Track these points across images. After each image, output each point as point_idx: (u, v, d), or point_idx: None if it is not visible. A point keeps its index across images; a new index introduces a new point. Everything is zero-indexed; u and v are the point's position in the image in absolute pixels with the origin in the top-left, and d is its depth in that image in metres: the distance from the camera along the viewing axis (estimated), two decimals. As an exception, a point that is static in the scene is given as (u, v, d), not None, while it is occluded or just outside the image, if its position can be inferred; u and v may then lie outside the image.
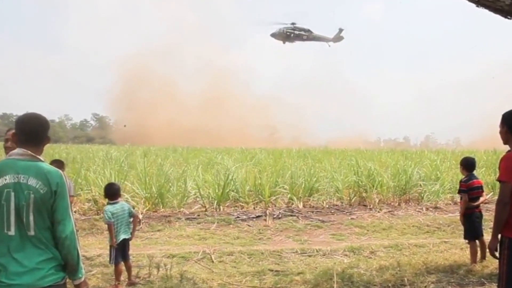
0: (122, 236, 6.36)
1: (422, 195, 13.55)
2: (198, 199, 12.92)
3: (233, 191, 13.06)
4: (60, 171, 3.25)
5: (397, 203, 13.15)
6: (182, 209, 12.16)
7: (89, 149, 35.70)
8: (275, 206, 12.62)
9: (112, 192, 6.51)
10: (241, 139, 62.51)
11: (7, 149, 4.90)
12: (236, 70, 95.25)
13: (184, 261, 7.86)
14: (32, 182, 3.10)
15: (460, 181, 7.70)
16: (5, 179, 3.06)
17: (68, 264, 3.21)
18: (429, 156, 23.70)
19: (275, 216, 11.54)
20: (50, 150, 32.11)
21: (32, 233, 3.09)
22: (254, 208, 12.43)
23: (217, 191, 12.69)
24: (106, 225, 6.48)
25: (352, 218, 11.57)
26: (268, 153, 30.00)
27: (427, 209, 12.65)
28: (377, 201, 12.95)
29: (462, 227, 9.98)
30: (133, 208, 7.69)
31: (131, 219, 6.58)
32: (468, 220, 7.52)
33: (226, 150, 34.06)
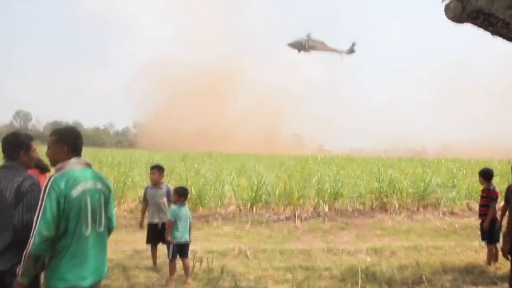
0: (186, 237, 6.60)
1: (439, 201, 13.57)
2: (233, 201, 13.22)
3: (265, 194, 13.33)
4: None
5: (415, 208, 13.22)
6: (218, 210, 12.49)
7: (131, 154, 36.54)
8: (303, 209, 12.84)
9: (183, 194, 6.77)
10: (269, 146, 62.76)
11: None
12: (267, 82, 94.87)
13: (222, 257, 8.15)
14: (99, 186, 3.42)
15: (489, 190, 7.79)
16: (84, 186, 3.28)
17: None
18: (446, 165, 23.58)
19: (303, 218, 11.78)
20: (98, 154, 32.97)
21: (102, 229, 3.41)
22: (284, 210, 12.68)
23: (250, 194, 12.98)
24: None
25: (374, 221, 11.72)
26: (295, 160, 30.21)
27: (444, 214, 12.69)
28: (397, 206, 13.05)
29: (477, 232, 10.09)
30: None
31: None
32: (491, 225, 7.60)
33: (256, 156, 34.38)
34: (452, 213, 12.85)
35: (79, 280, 3.20)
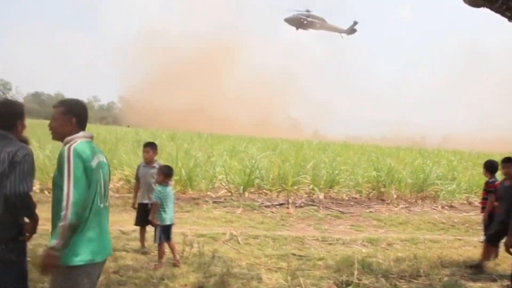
0: (170, 218, 6.63)
1: (439, 193, 13.71)
2: (224, 184, 13.26)
3: (257, 178, 13.38)
4: None
5: (414, 200, 13.36)
6: (209, 192, 12.54)
7: (117, 131, 36.36)
8: (297, 195, 12.92)
9: (169, 174, 6.77)
10: (262, 129, 62.61)
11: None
12: (264, 61, 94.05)
13: (213, 241, 8.20)
14: (104, 160, 3.49)
15: (487, 182, 7.90)
16: (98, 158, 3.37)
17: None
18: (446, 156, 23.75)
19: (297, 204, 11.86)
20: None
21: (107, 203, 3.49)
22: (277, 196, 12.76)
23: (243, 177, 13.03)
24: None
25: (370, 211, 11.84)
26: (289, 144, 30.22)
27: (442, 207, 12.85)
28: (394, 196, 13.17)
29: (476, 227, 10.23)
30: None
31: None
32: (490, 220, 7.63)
33: (249, 139, 34.34)
34: (451, 206, 13.00)
35: (95, 255, 3.26)
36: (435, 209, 12.57)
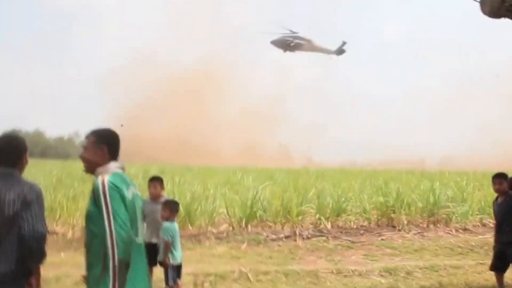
0: (180, 257, 6.50)
1: (451, 216, 13.64)
2: (225, 218, 13.11)
3: (260, 210, 13.24)
4: None
5: (425, 225, 13.28)
6: (209, 228, 12.37)
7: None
8: (302, 226, 12.79)
9: (176, 209, 6.68)
10: (252, 158, 62.51)
11: None
12: (252, 87, 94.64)
13: (222, 280, 8.06)
14: (138, 192, 3.42)
15: None
16: (132, 190, 3.32)
17: None
18: (451, 177, 23.81)
19: (304, 236, 11.72)
20: (65, 166, 32.49)
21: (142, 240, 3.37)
22: (282, 228, 12.62)
23: (244, 210, 12.89)
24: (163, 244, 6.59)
25: (382, 239, 11.73)
26: (284, 173, 30.17)
27: (456, 230, 12.76)
28: (405, 222, 13.08)
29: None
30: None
31: None
32: None
33: (240, 169, 34.24)
34: (465, 229, 12.92)
35: None
36: (449, 233, 12.49)
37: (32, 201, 3.38)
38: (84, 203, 13.04)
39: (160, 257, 6.47)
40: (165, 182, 18.74)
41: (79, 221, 12.08)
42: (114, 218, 3.05)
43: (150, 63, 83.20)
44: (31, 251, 3.31)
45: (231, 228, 12.42)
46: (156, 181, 7.40)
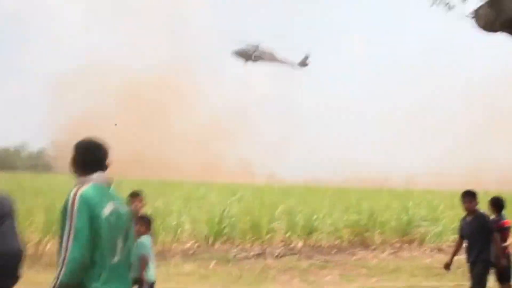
0: (154, 274, 6.35)
1: (424, 236, 13.85)
2: (190, 234, 12.94)
3: (227, 227, 13.15)
4: None
5: (399, 244, 13.43)
6: (174, 245, 12.19)
7: (50, 180, 35.23)
8: (272, 244, 12.75)
9: (149, 222, 6.52)
10: (212, 173, 62.22)
11: None
12: (211, 99, 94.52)
13: (192, 300, 7.91)
14: (122, 207, 3.24)
15: (492, 221, 7.98)
16: (112, 206, 3.12)
17: None
18: (421, 196, 24.22)
19: (275, 254, 11.70)
20: (12, 179, 31.56)
21: (126, 260, 3.24)
22: (251, 246, 12.54)
23: (211, 227, 12.78)
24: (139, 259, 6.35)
25: (356, 259, 11.81)
26: (248, 189, 30.13)
27: (431, 250, 12.97)
28: (379, 241, 13.21)
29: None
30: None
31: None
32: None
33: (200, 184, 34.03)
34: (439, 249, 13.14)
35: None
36: (424, 253, 12.69)
37: (4, 214, 3.21)
38: (39, 218, 12.70)
39: (134, 273, 6.27)
40: (123, 197, 18.54)
41: (32, 237, 11.76)
42: (74, 237, 2.90)
43: (104, 70, 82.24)
44: (4, 271, 3.10)
45: (197, 245, 12.27)
46: (135, 196, 7.08)
